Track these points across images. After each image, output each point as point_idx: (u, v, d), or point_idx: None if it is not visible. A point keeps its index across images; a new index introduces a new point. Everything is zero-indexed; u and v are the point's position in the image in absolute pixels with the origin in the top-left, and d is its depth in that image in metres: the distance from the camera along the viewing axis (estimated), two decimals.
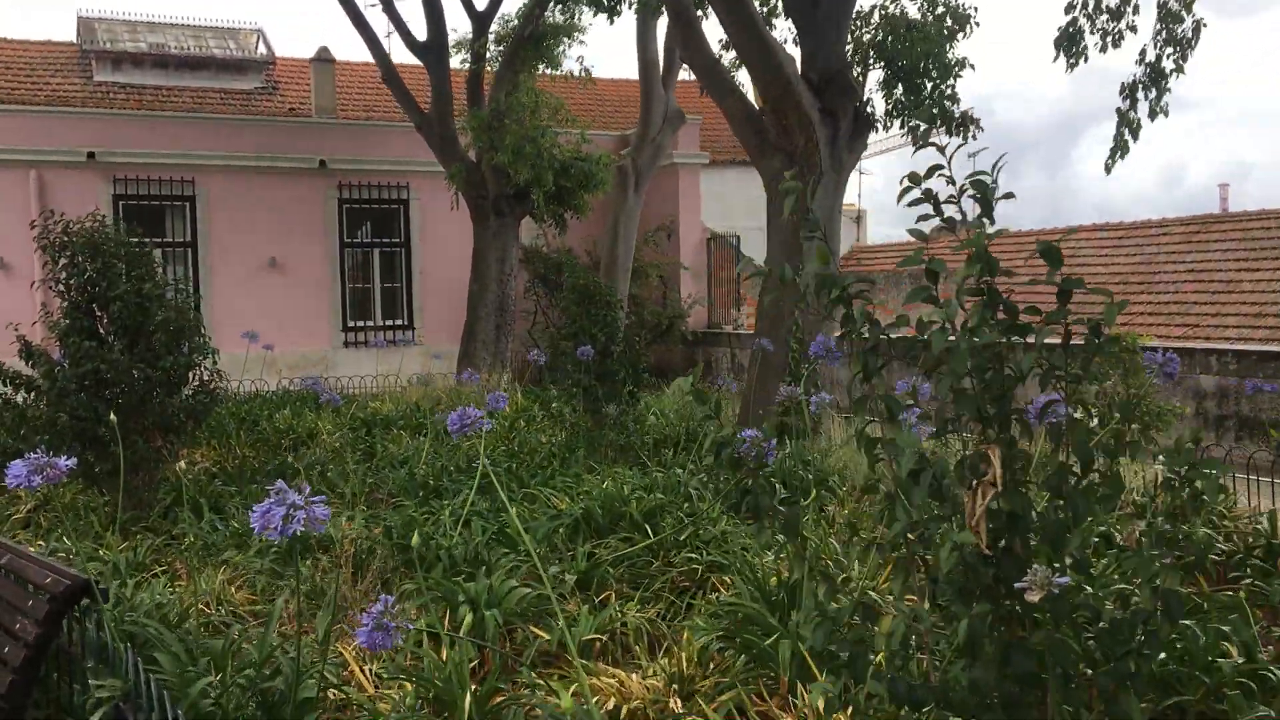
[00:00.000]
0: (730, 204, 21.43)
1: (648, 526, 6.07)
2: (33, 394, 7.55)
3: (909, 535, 2.69)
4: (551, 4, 16.69)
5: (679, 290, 20.01)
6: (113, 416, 6.53)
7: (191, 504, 7.48)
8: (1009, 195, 2.68)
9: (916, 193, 2.79)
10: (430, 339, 19.98)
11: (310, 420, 11.59)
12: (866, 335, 2.83)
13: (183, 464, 8.25)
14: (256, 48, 24.79)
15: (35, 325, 8.73)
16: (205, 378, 8.08)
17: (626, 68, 17.14)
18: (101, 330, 7.71)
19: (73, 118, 18.36)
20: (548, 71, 17.61)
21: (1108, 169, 10.52)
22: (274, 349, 15.45)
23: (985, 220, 2.68)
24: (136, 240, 7.92)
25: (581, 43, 17.51)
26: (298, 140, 19.38)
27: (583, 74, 17.31)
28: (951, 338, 2.60)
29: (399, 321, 20.11)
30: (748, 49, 9.18)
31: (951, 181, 2.72)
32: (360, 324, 19.83)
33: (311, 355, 18.93)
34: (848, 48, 9.77)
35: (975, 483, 2.48)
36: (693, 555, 5.61)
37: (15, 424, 7.51)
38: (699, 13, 10.15)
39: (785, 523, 3.10)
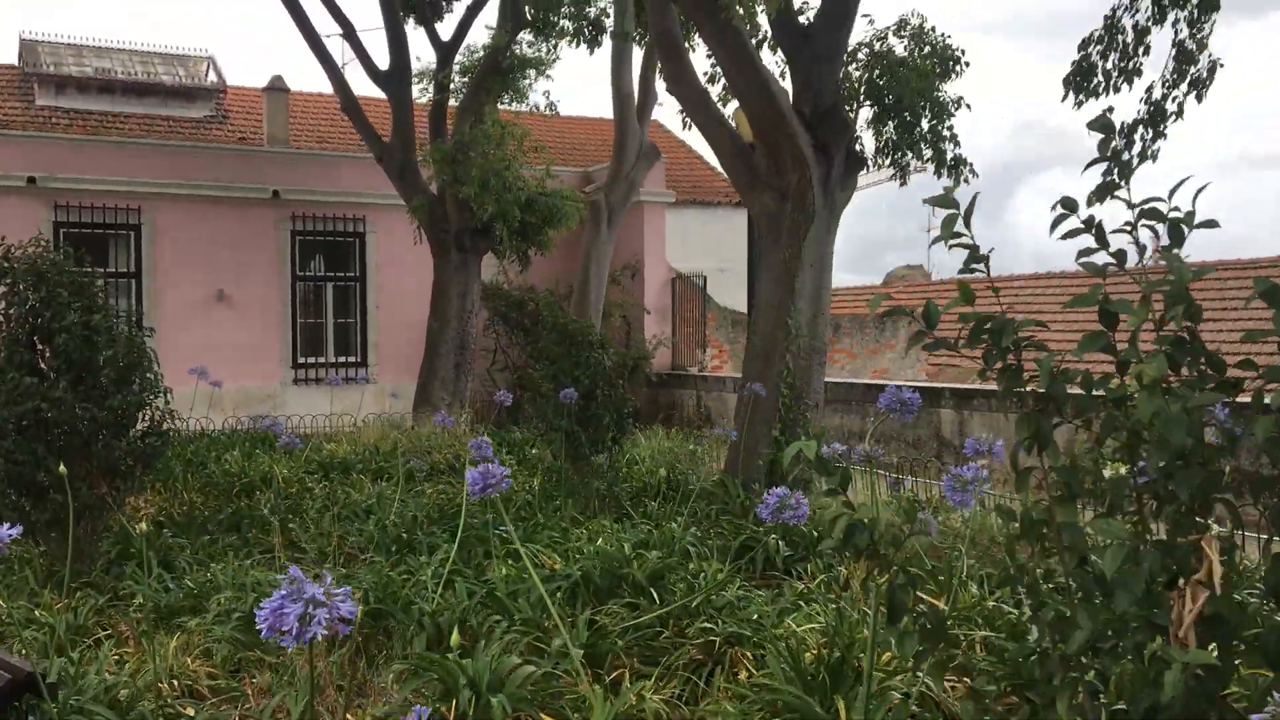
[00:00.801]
0: (690, 244, 21.09)
1: (653, 590, 5.53)
2: None
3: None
4: (521, 36, 16.27)
5: (643, 331, 19.54)
6: (62, 467, 5.90)
7: (138, 558, 6.81)
8: (1210, 224, 2.21)
9: (1074, 221, 2.32)
10: (385, 377, 19.30)
11: (263, 463, 10.89)
12: (1036, 392, 2.35)
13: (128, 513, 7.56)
14: (206, 75, 24.10)
15: None
16: (156, 418, 7.41)
17: (587, 105, 16.99)
18: (43, 365, 7.03)
19: (12, 141, 17.53)
20: (513, 106, 17.18)
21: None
22: (221, 385, 14.72)
23: (1176, 252, 2.20)
24: (83, 269, 7.26)
25: (549, 77, 17.06)
26: (250, 169, 18.70)
27: (548, 108, 16.92)
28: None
29: (352, 358, 19.41)
30: (739, 80, 8.79)
31: (1131, 206, 2.25)
32: (312, 360, 19.09)
33: (260, 392, 18.16)
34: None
35: (1183, 583, 2.00)
36: (708, 625, 5.07)
37: None
38: (686, 43, 9.77)
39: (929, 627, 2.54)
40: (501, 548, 6.73)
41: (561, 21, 10.07)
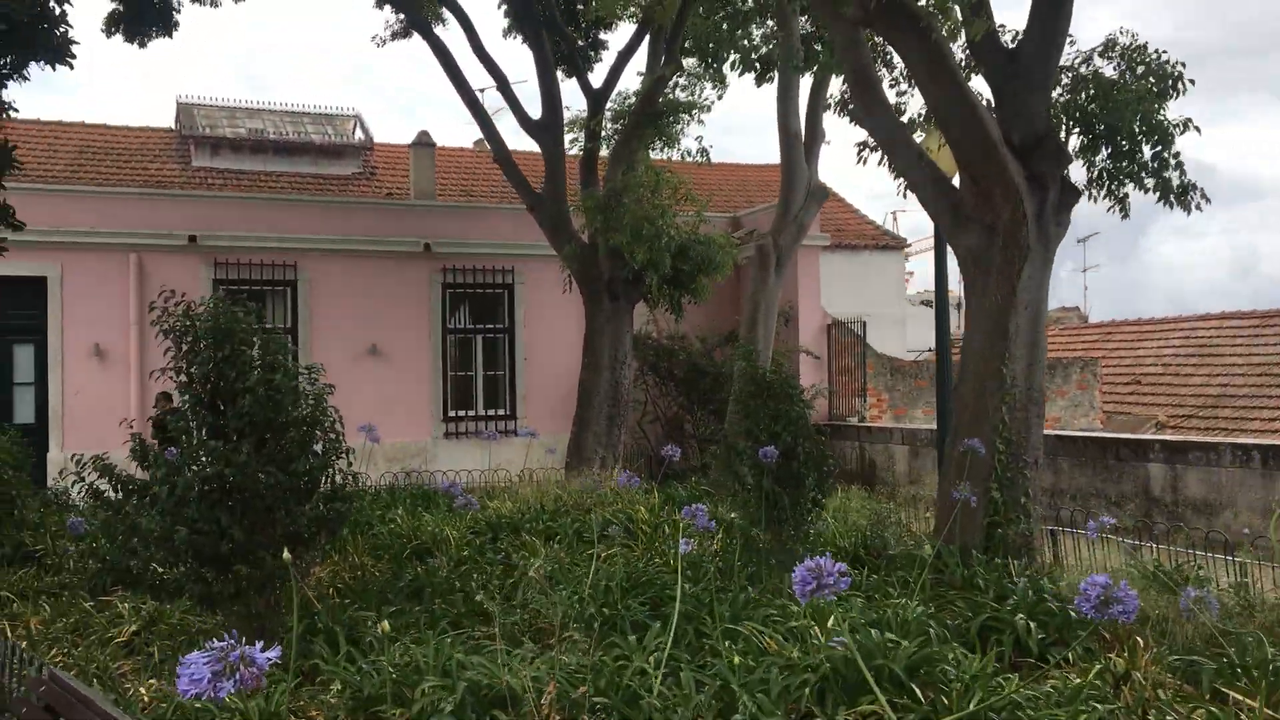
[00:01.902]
0: (834, 289, 20.34)
1: (914, 687, 4.78)
2: (145, 500, 6.52)
3: None
4: (673, 80, 15.87)
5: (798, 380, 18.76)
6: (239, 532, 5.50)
7: (325, 632, 6.37)
8: None
9: None
10: (534, 427, 18.92)
11: (431, 523, 10.49)
12: None
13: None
14: (354, 133, 24.47)
15: (133, 421, 7.86)
16: (338, 481, 7.01)
17: (731, 150, 16.50)
18: (225, 428, 6.70)
19: (173, 200, 17.86)
20: (664, 152, 16.75)
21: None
22: (379, 440, 14.50)
23: None
24: (266, 325, 6.94)
25: (700, 122, 16.58)
26: (401, 223, 18.70)
27: (700, 154, 16.42)
28: None
29: (501, 411, 19.12)
30: (944, 106, 8.09)
31: None
32: (462, 413, 18.86)
33: (412, 447, 17.98)
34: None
35: None
36: None
37: (125, 537, 6.49)
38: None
39: None
40: (715, 627, 6.07)
41: (731, 55, 9.55)
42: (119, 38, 17.15)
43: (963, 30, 8.03)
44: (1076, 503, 12.08)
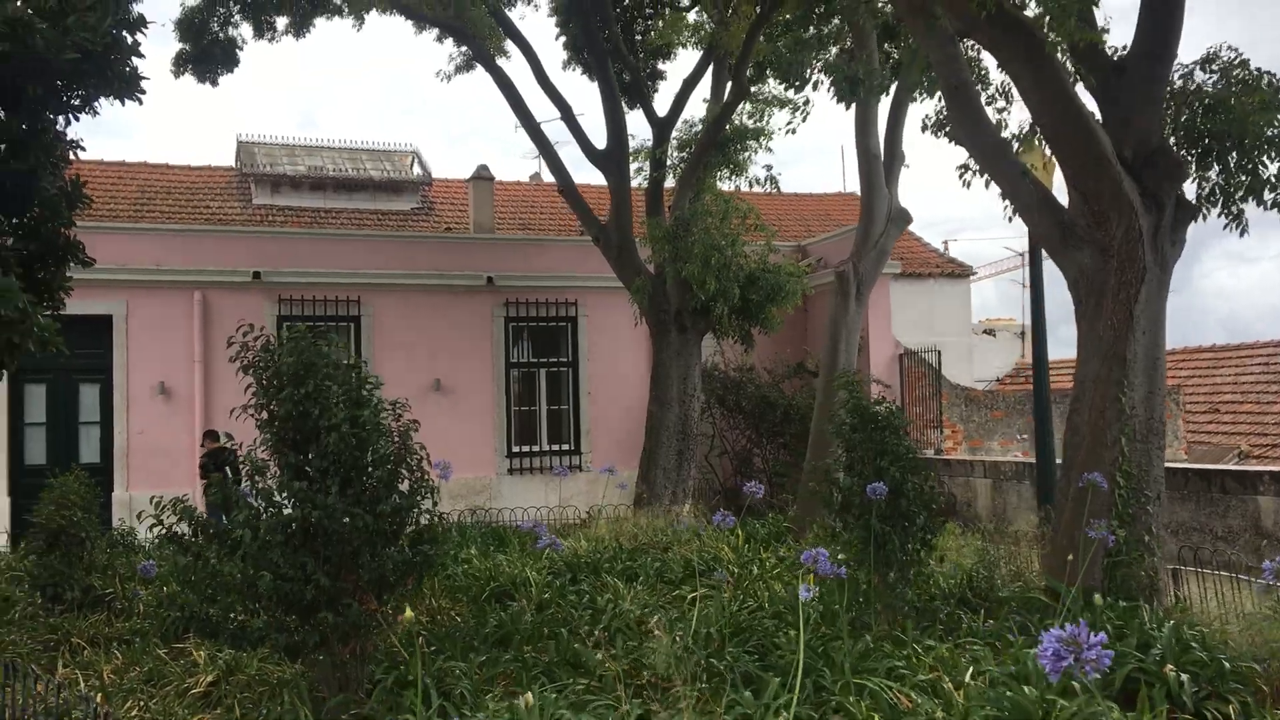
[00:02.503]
0: (899, 318, 19.84)
1: None
2: (226, 545, 6.20)
3: None
4: (740, 107, 15.55)
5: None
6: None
7: (414, 684, 5.99)
8: None
9: None
10: (599, 465, 18.54)
11: (507, 563, 10.12)
12: None
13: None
14: (412, 168, 24.45)
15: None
16: (423, 522, 6.65)
17: (792, 180, 16.08)
18: (307, 467, 6.37)
19: (237, 237, 17.81)
20: (730, 181, 16.41)
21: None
22: (449, 478, 14.19)
23: None
24: (351, 361, 6.63)
25: (768, 149, 16.24)
26: (463, 257, 18.50)
27: (768, 181, 16.07)
28: None
29: (565, 446, 18.76)
30: (1054, 120, 7.66)
31: None
32: (525, 449, 18.53)
33: (477, 484, 17.67)
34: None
35: None
36: None
37: (203, 584, 6.17)
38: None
39: None
40: (835, 679, 5.61)
41: (816, 75, 9.21)
42: (188, 78, 17.30)
43: (1067, 40, 7.61)
44: (1179, 538, 11.45)
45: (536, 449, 18.63)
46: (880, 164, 11.87)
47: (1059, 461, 13.04)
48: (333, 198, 22.61)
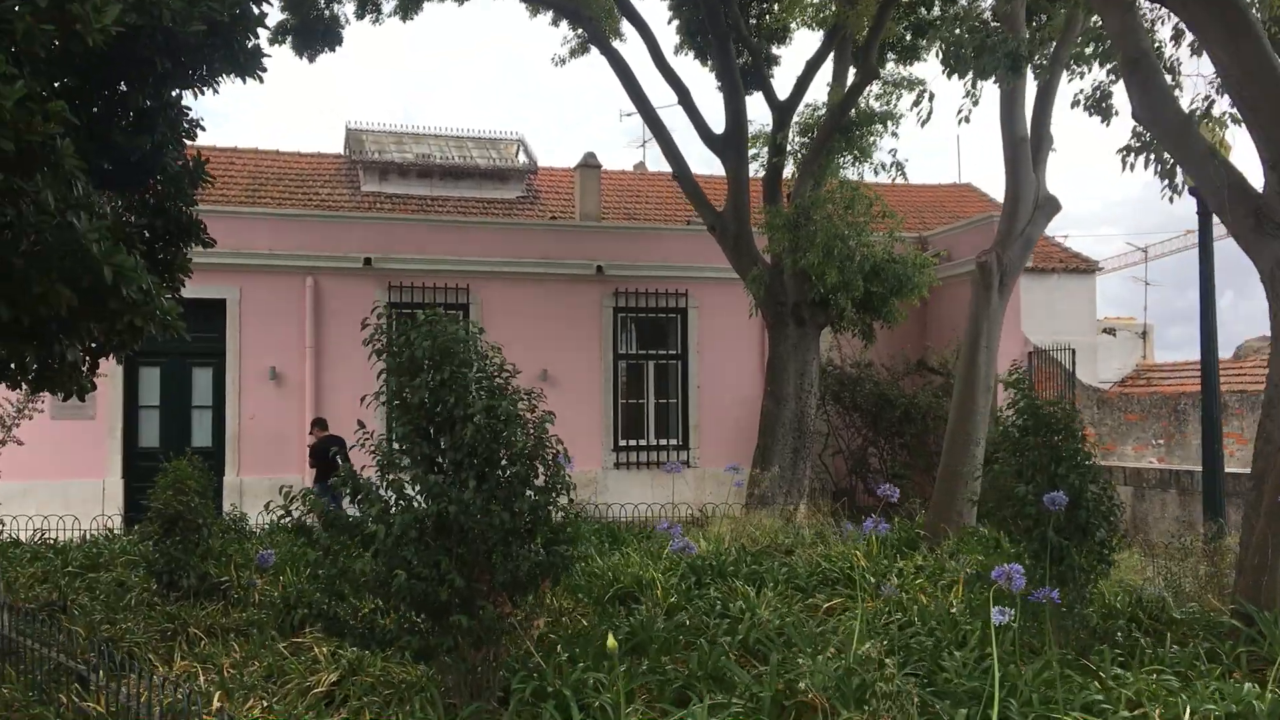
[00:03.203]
0: (1023, 315, 18.92)
1: None
2: (356, 540, 5.83)
3: None
4: (867, 90, 14.88)
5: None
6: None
7: (555, 696, 5.55)
8: None
9: None
10: (706, 461, 18.06)
11: (627, 563, 9.67)
12: None
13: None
14: (517, 156, 24.20)
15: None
16: (558, 518, 6.19)
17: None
18: (437, 460, 5.97)
19: (348, 223, 17.70)
20: (856, 167, 15.72)
21: None
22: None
23: None
24: (493, 345, 6.22)
25: (894, 134, 15.52)
26: (572, 245, 18.14)
27: (894, 168, 15.34)
28: None
29: (673, 441, 18.29)
30: (1257, 93, 6.89)
31: None
32: (632, 443, 18.10)
33: (582, 477, 17.24)
34: None
35: None
36: None
37: (332, 581, 5.81)
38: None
39: None
40: (1020, 710, 5.01)
41: (988, 56, 8.56)
42: (287, 55, 17.14)
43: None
44: None
45: (643, 443, 18.20)
46: (1027, 147, 11.12)
47: (1234, 471, 12.20)
48: (439, 185, 22.47)
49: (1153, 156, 9.10)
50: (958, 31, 9.16)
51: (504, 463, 5.95)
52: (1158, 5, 8.15)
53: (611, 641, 4.26)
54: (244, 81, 9.10)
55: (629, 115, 16.97)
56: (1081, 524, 6.47)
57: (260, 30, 8.68)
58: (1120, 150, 8.90)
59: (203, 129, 9.02)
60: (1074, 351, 17.44)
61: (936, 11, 16.32)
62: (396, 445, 6.02)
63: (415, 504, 5.85)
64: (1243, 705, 4.87)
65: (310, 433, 15.20)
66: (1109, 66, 9.10)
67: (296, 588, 8.62)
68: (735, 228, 15.45)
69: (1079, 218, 77.34)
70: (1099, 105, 8.88)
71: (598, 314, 17.95)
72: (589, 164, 21.07)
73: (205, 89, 8.74)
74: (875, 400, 17.18)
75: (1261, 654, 6.43)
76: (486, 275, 17.40)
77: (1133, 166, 8.96)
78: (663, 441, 18.28)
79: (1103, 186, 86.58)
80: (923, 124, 11.30)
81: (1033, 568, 6.56)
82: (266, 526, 12.34)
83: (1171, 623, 7.33)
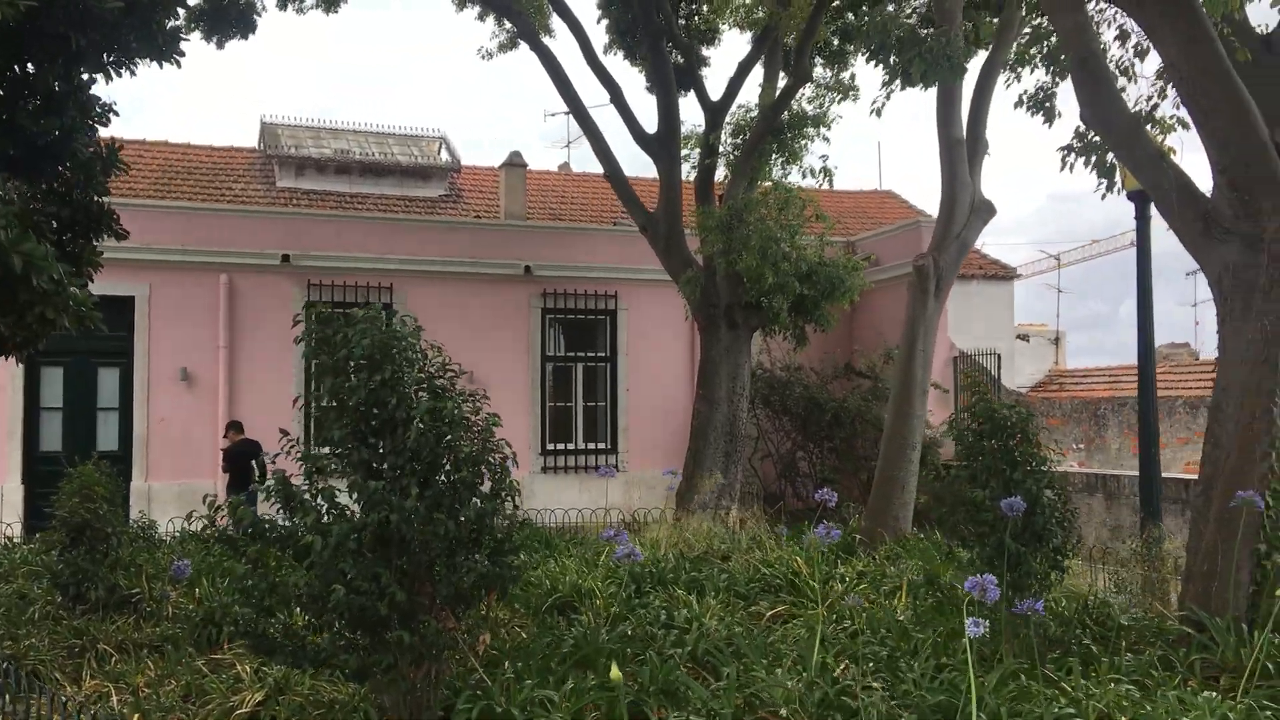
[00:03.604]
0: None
1: None
2: (287, 553, 5.44)
3: None
4: (801, 92, 14.79)
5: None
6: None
7: (503, 717, 5.24)
8: None
9: None
10: (634, 465, 17.81)
11: (562, 571, 9.37)
12: None
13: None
14: (440, 154, 23.70)
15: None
16: (504, 526, 5.86)
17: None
18: (375, 466, 5.61)
19: (266, 219, 17.06)
20: (785, 170, 15.62)
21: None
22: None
23: None
24: (433, 344, 5.88)
25: (825, 139, 15.45)
26: (500, 245, 17.75)
27: (822, 173, 15.26)
28: None
29: (601, 445, 18.00)
30: (1208, 98, 6.88)
31: None
32: (560, 447, 17.77)
33: None
34: None
35: None
36: None
37: (261, 596, 5.41)
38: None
39: None
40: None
41: (931, 62, 8.44)
42: (196, 36, 16.41)
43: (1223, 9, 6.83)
44: None
45: (571, 447, 17.88)
46: (963, 150, 11.10)
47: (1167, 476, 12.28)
48: (358, 182, 21.87)
49: (1094, 158, 9.11)
50: (895, 35, 9.04)
51: (447, 468, 5.62)
52: (1107, 6, 8.14)
53: (616, 673, 3.98)
54: (160, 66, 8.59)
55: (553, 116, 16.80)
56: (1038, 530, 6.37)
57: (180, 10, 8.23)
58: (1061, 149, 8.89)
59: (116, 114, 8.49)
60: (999, 356, 17.60)
61: (865, 18, 16.36)
62: (330, 450, 5.64)
63: (349, 513, 5.49)
64: (1216, 716, 4.75)
65: (224, 436, 14.58)
66: (1052, 68, 9.10)
67: (216, 601, 8.15)
68: (667, 228, 15.24)
69: (990, 225, 78.83)
70: (1041, 106, 8.85)
71: (526, 315, 17.59)
72: (514, 163, 20.69)
73: (121, 71, 8.23)
74: (805, 404, 17.10)
75: (1215, 661, 6.39)
76: (411, 274, 16.92)
77: (1072, 167, 8.94)
78: (591, 445, 17.98)
79: (1004, 197, 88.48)
80: (874, 113, 11.19)
81: (989, 574, 6.42)
82: (178, 534, 11.79)
83: (1119, 629, 7.27)
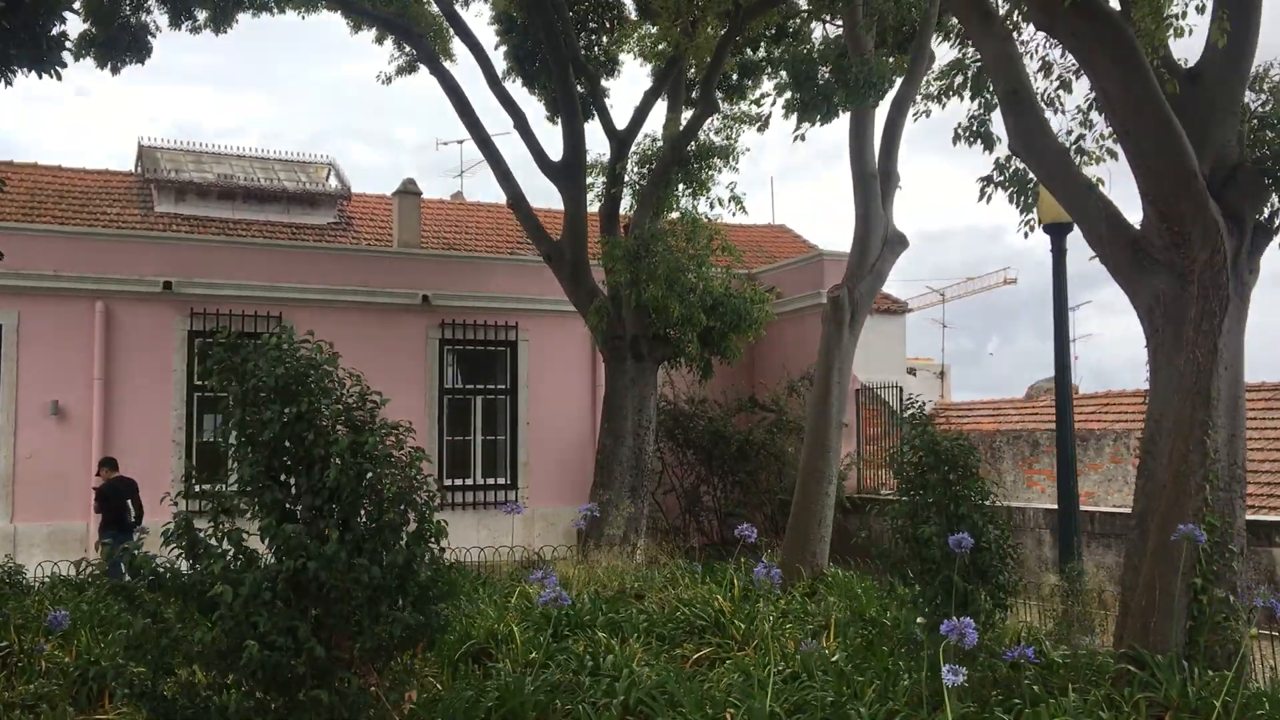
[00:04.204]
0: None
1: None
2: (197, 605, 4.89)
3: None
4: (708, 123, 14.67)
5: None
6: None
7: None
8: None
9: None
10: (536, 500, 17.32)
11: (477, 615, 8.87)
12: None
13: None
14: (328, 180, 22.96)
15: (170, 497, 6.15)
16: (429, 572, 5.41)
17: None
18: (289, 506, 5.11)
19: (146, 244, 16.17)
20: (693, 200, 15.45)
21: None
22: None
23: None
24: (351, 373, 5.42)
25: (734, 169, 15.35)
26: (396, 274, 17.15)
27: (732, 202, 15.15)
28: None
29: (501, 480, 17.47)
30: (1139, 128, 6.87)
31: None
32: (458, 482, 17.17)
33: None
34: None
35: None
36: None
37: (160, 652, 4.84)
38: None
39: None
40: None
41: (851, 88, 8.35)
42: (89, 61, 15.61)
43: (1160, 36, 6.86)
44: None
45: (470, 482, 17.29)
46: (876, 183, 11.07)
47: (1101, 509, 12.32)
48: (242, 208, 21.01)
49: (1012, 191, 9.12)
50: (814, 66, 8.95)
51: (367, 508, 5.15)
52: (1030, 38, 8.15)
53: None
54: (40, 76, 7.96)
55: (444, 144, 16.37)
56: (982, 567, 6.18)
57: (70, 10, 7.63)
58: (980, 180, 8.87)
59: None
60: (901, 389, 17.68)
61: (763, 53, 16.40)
62: (240, 489, 5.12)
63: (258, 558, 4.98)
64: None
65: (98, 474, 13.63)
66: (978, 98, 9.12)
67: (95, 655, 7.45)
68: (573, 257, 14.90)
69: None
70: (977, 135, 8.84)
71: (423, 346, 16.99)
72: (409, 190, 20.12)
73: (6, 75, 7.60)
74: (710, 437, 16.88)
75: (1159, 699, 6.28)
76: (302, 303, 16.19)
77: (989, 198, 8.92)
78: (490, 480, 17.43)
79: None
80: (799, 139, 11.13)
81: (932, 612, 6.22)
82: (46, 580, 10.91)
83: (1052, 666, 7.14)
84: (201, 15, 15.69)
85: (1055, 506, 13.14)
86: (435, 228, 21.98)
